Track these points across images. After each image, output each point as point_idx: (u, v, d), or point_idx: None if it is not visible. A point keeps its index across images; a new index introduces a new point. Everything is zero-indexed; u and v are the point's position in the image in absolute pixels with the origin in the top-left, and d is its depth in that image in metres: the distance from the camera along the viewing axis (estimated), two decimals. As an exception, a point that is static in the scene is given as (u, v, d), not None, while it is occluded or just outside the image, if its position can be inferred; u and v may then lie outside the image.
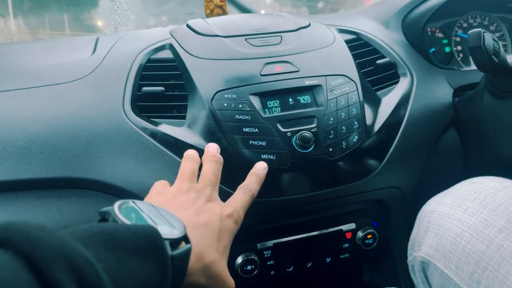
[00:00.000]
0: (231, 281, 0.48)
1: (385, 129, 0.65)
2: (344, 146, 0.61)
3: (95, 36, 0.79)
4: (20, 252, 0.26)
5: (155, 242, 0.34)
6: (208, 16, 1.04)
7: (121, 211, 0.37)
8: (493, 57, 0.57)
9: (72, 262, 0.27)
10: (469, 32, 0.58)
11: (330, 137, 0.61)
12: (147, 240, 0.34)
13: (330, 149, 0.60)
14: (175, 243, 0.37)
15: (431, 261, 0.56)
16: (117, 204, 0.37)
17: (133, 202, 0.39)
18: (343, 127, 0.62)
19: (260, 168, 0.57)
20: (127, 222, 0.36)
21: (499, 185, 0.56)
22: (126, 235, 0.32)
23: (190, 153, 0.56)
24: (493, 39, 0.58)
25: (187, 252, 0.39)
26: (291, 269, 0.67)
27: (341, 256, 0.69)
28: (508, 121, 0.65)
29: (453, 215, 0.55)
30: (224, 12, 1.06)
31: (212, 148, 0.56)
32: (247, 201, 0.53)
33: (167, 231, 0.37)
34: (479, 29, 0.57)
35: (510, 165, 0.68)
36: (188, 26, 0.75)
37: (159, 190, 0.51)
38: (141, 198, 0.59)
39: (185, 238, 0.39)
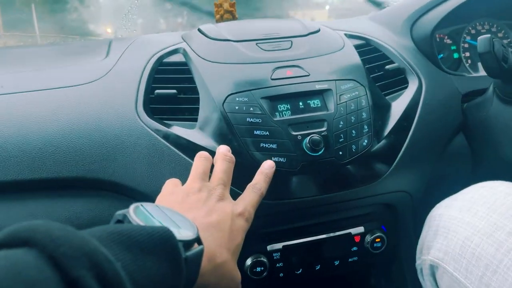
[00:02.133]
0: (238, 276, 0.49)
1: (394, 134, 0.66)
2: (353, 150, 0.62)
3: (108, 40, 0.81)
4: (44, 250, 0.27)
5: (170, 243, 0.35)
6: (218, 21, 1.06)
7: (136, 213, 0.38)
8: (502, 63, 0.58)
9: (92, 260, 0.28)
10: (479, 38, 0.58)
11: (340, 140, 0.61)
12: (162, 241, 0.34)
13: (340, 153, 0.61)
14: (188, 244, 0.38)
15: (440, 264, 0.56)
16: (132, 207, 0.38)
17: (142, 206, 0.40)
18: (353, 131, 0.62)
19: (268, 167, 0.57)
20: (142, 224, 0.36)
21: (508, 189, 0.56)
22: (142, 236, 0.33)
23: (203, 153, 0.57)
24: (502, 45, 0.58)
25: (200, 253, 0.40)
26: (299, 271, 0.67)
27: (350, 260, 0.69)
28: (517, 126, 0.65)
29: (462, 218, 0.56)
30: (234, 17, 1.08)
31: (224, 149, 0.57)
32: (256, 199, 0.53)
33: (181, 233, 0.37)
34: (489, 35, 0.58)
35: (518, 169, 0.68)
36: (199, 30, 0.76)
37: (171, 190, 0.52)
38: (153, 199, 0.59)
39: (198, 240, 0.39)
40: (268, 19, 0.80)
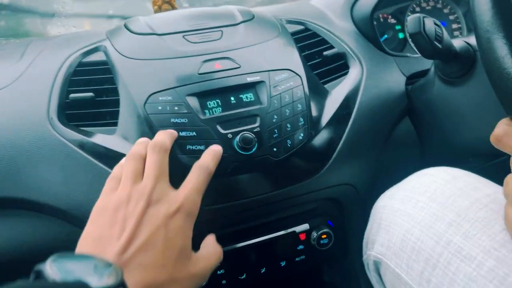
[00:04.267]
0: (191, 281, 0.46)
1: (332, 124, 0.62)
2: (289, 145, 0.58)
3: (28, 40, 0.74)
4: None
5: None
6: (156, 12, 1.00)
7: (52, 267, 0.34)
8: (435, 42, 0.54)
9: None
10: (408, 18, 0.55)
11: (274, 136, 0.57)
12: None
13: (275, 149, 0.57)
14: None
15: (382, 260, 0.53)
16: (49, 260, 0.34)
17: (61, 257, 0.36)
18: (288, 125, 0.58)
19: (216, 146, 0.54)
20: (58, 278, 0.32)
21: (448, 176, 0.53)
22: None
23: (133, 150, 0.51)
24: (435, 24, 0.55)
25: None
26: (243, 276, 0.64)
27: (297, 259, 0.66)
28: (458, 108, 0.62)
29: (404, 210, 0.53)
30: (173, 8, 1.01)
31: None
32: (202, 181, 0.49)
33: (101, 283, 0.33)
34: (419, 14, 0.55)
35: (463, 153, 0.66)
36: (125, 25, 0.70)
37: (103, 205, 0.47)
38: (72, 214, 0.55)
39: (122, 285, 0.35)
40: (200, 8, 0.74)
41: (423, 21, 0.53)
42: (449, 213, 0.49)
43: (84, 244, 0.44)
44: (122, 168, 0.50)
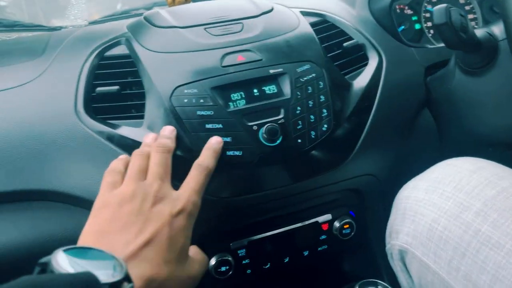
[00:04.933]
0: (189, 280, 0.47)
1: (355, 115, 0.63)
2: (313, 136, 0.58)
3: (46, 34, 0.74)
4: None
5: None
6: (170, 5, 1.00)
7: (58, 259, 0.34)
8: (461, 33, 0.54)
9: None
10: (434, 8, 0.55)
11: (298, 127, 0.58)
12: None
13: (299, 140, 0.58)
14: (116, 285, 0.34)
15: (409, 249, 0.54)
16: (55, 252, 0.35)
17: (66, 250, 0.36)
18: (312, 116, 0.59)
19: (215, 142, 0.54)
20: (64, 271, 0.33)
21: (474, 166, 0.54)
22: (63, 286, 0.30)
23: (138, 149, 0.52)
24: (460, 14, 0.55)
25: None
26: (268, 266, 0.65)
27: (319, 249, 0.66)
28: (480, 98, 0.63)
29: (429, 200, 0.54)
30: (187, 1, 1.01)
31: (165, 132, 0.53)
32: (202, 180, 0.50)
33: (106, 275, 0.34)
34: (445, 4, 0.55)
35: (483, 143, 0.66)
36: (144, 17, 0.70)
37: (105, 200, 0.47)
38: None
39: (127, 278, 0.36)
40: (218, 1, 0.74)
41: (449, 12, 0.53)
42: (476, 203, 0.49)
43: (86, 238, 0.45)
44: (120, 163, 0.51)
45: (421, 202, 0.54)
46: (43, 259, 0.34)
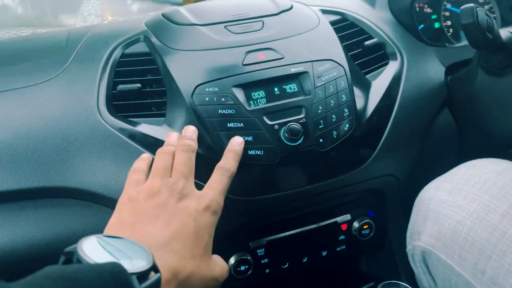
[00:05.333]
0: (213, 277, 0.47)
1: (377, 115, 0.62)
2: (335, 136, 0.58)
3: (65, 31, 0.74)
4: None
5: (122, 279, 0.31)
6: (185, 3, 0.99)
7: (84, 249, 0.34)
8: (487, 33, 0.54)
9: None
10: (462, 8, 0.54)
11: (319, 127, 0.57)
12: (113, 278, 0.31)
13: (321, 140, 0.57)
14: (143, 275, 0.34)
15: (432, 251, 0.53)
16: (80, 242, 0.34)
17: (92, 239, 0.36)
18: (333, 116, 0.58)
19: (236, 143, 0.53)
20: (91, 260, 0.33)
21: (499, 167, 0.53)
22: (91, 277, 0.29)
23: (162, 148, 0.52)
24: (486, 14, 0.54)
25: (157, 282, 0.36)
26: (286, 266, 0.64)
27: (338, 249, 0.66)
28: (503, 98, 0.62)
29: (453, 201, 0.53)
30: (202, -1, 1.01)
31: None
32: (225, 183, 0.50)
33: (133, 265, 0.34)
34: (472, 4, 0.54)
35: (506, 144, 0.65)
36: (163, 15, 0.70)
37: (131, 195, 0.48)
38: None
39: (154, 268, 0.36)
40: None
41: (476, 11, 0.53)
42: (502, 205, 0.49)
43: (111, 230, 0.45)
44: (143, 162, 0.52)
45: (445, 204, 0.54)
46: (69, 248, 0.34)
